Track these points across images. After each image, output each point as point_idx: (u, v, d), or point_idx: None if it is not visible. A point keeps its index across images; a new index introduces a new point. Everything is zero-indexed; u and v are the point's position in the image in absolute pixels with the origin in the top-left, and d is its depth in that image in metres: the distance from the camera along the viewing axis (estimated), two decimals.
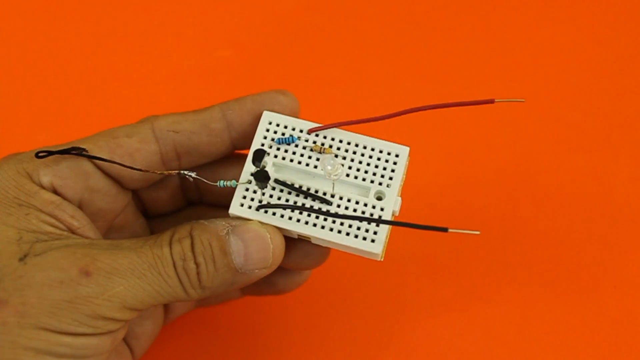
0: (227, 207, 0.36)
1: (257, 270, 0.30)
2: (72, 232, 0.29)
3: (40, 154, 0.29)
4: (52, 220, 0.29)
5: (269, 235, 0.30)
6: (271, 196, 0.30)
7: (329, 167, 0.29)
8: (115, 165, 0.31)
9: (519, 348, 0.39)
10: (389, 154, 0.31)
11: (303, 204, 0.30)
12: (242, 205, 0.30)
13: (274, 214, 0.30)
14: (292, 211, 0.30)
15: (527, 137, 0.46)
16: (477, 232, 0.27)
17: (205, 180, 0.30)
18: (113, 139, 0.31)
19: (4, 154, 0.32)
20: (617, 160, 0.45)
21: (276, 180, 0.31)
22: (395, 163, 0.30)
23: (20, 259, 0.27)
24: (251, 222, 0.30)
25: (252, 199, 0.30)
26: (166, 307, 0.36)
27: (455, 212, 0.43)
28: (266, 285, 0.37)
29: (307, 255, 0.33)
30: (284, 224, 0.30)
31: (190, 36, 0.49)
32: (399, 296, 0.40)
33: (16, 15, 0.50)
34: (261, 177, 0.29)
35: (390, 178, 0.30)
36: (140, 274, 0.27)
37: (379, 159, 0.31)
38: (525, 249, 0.42)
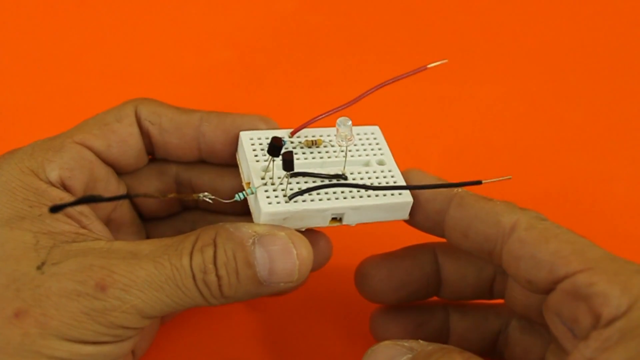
0: (224, 213, 0.36)
1: (282, 284, 0.29)
2: (83, 228, 0.29)
3: (56, 208, 0.28)
4: (65, 218, 0.29)
5: (295, 251, 0.28)
6: (291, 189, 0.30)
7: (348, 122, 0.30)
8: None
9: None
10: (365, 134, 0.34)
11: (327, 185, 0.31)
12: (270, 203, 0.30)
13: (303, 201, 0.30)
14: (326, 188, 0.30)
15: (529, 137, 0.46)
16: (509, 177, 0.30)
17: (222, 200, 0.30)
18: (105, 125, 0.31)
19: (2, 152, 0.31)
20: (618, 161, 0.45)
21: (293, 174, 0.30)
22: (375, 138, 0.34)
23: (38, 267, 0.27)
24: (279, 233, 0.29)
25: (276, 196, 0.30)
26: None
27: None
28: None
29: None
30: (318, 205, 0.30)
31: (190, 37, 0.49)
32: None
33: (17, 14, 0.50)
34: (289, 160, 0.29)
35: (380, 148, 0.33)
36: (158, 286, 0.27)
37: (360, 139, 0.33)
38: None
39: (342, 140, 0.31)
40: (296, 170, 0.31)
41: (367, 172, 0.32)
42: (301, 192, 0.30)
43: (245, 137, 0.32)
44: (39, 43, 0.49)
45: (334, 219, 0.31)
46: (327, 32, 0.50)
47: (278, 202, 0.30)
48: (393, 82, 0.32)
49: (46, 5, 0.50)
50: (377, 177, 0.32)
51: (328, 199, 0.30)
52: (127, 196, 0.31)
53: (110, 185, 0.32)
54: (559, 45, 0.49)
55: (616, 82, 0.48)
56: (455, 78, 0.48)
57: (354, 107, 0.32)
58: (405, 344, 0.29)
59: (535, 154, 0.46)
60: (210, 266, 0.27)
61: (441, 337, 0.34)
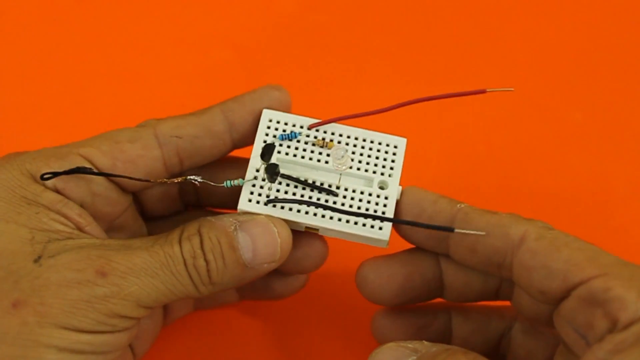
0: (226, 208, 0.36)
1: (265, 265, 0.30)
2: (80, 230, 0.29)
3: (45, 176, 0.29)
4: (62, 219, 0.29)
5: (276, 230, 0.30)
6: (278, 190, 0.31)
7: (342, 153, 0.30)
8: (115, 171, 0.31)
9: None
10: (387, 145, 0.32)
11: (310, 197, 0.31)
12: (250, 200, 0.31)
13: (282, 207, 0.30)
14: (300, 204, 0.30)
15: (527, 136, 0.46)
16: (482, 233, 0.29)
17: (211, 183, 0.31)
18: (115, 144, 0.31)
19: (4, 153, 0.31)
20: (618, 160, 0.45)
21: (282, 175, 0.31)
22: (394, 154, 0.32)
23: (35, 261, 0.27)
24: (258, 216, 0.30)
25: (260, 194, 0.31)
26: (165, 307, 0.36)
27: None
28: (264, 289, 0.37)
29: (306, 258, 0.33)
30: (293, 217, 0.30)
31: (190, 37, 0.49)
32: None
33: (18, 15, 0.50)
34: (272, 172, 0.30)
35: (392, 168, 0.32)
36: (153, 273, 0.28)
37: (378, 150, 0.32)
38: None
39: (336, 164, 0.31)
40: (295, 167, 0.31)
41: (362, 193, 0.31)
42: (278, 201, 0.30)
43: (265, 118, 0.32)
44: (35, 42, 0.48)
45: (310, 228, 0.31)
46: (328, 32, 0.50)
47: (257, 202, 0.31)
48: (445, 97, 0.30)
49: (46, 6, 0.50)
50: (368, 202, 0.31)
51: (306, 213, 0.30)
52: (118, 175, 0.31)
53: (110, 200, 0.32)
54: (559, 46, 0.49)
55: (616, 82, 0.48)
56: (454, 78, 0.48)
57: (366, 107, 0.32)
58: (409, 345, 0.29)
59: (536, 155, 0.46)
60: (199, 251, 0.28)
61: (443, 339, 0.34)
